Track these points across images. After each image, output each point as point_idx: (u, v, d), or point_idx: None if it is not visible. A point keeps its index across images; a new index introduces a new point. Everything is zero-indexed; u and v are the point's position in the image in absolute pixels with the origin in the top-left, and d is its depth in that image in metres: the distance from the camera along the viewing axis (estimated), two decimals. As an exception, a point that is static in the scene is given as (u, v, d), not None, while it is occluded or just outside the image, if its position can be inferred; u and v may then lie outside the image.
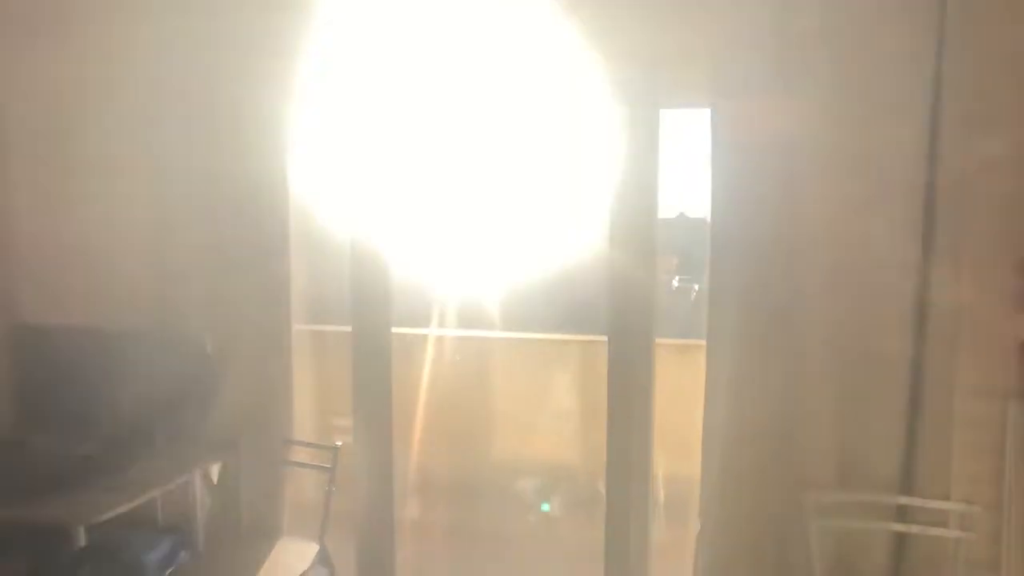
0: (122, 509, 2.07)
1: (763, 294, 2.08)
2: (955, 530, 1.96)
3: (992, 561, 1.97)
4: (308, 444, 2.63)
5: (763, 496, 2.11)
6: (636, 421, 2.40)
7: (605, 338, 4.55)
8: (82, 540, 1.98)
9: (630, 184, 2.34)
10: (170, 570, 2.56)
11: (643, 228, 2.34)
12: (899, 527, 2.00)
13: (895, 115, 1.98)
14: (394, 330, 2.67)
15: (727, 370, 2.14)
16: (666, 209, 2.45)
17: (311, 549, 2.46)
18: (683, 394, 2.95)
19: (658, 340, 2.46)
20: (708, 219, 2.18)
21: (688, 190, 2.98)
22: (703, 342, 2.25)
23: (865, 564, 2.04)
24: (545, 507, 4.02)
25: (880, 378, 2.02)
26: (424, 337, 4.26)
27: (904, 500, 1.99)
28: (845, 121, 2.01)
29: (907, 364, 1.99)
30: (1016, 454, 1.97)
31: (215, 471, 2.68)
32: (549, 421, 4.22)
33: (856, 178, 2.01)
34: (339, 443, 2.51)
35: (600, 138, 2.42)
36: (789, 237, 2.07)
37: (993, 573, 1.98)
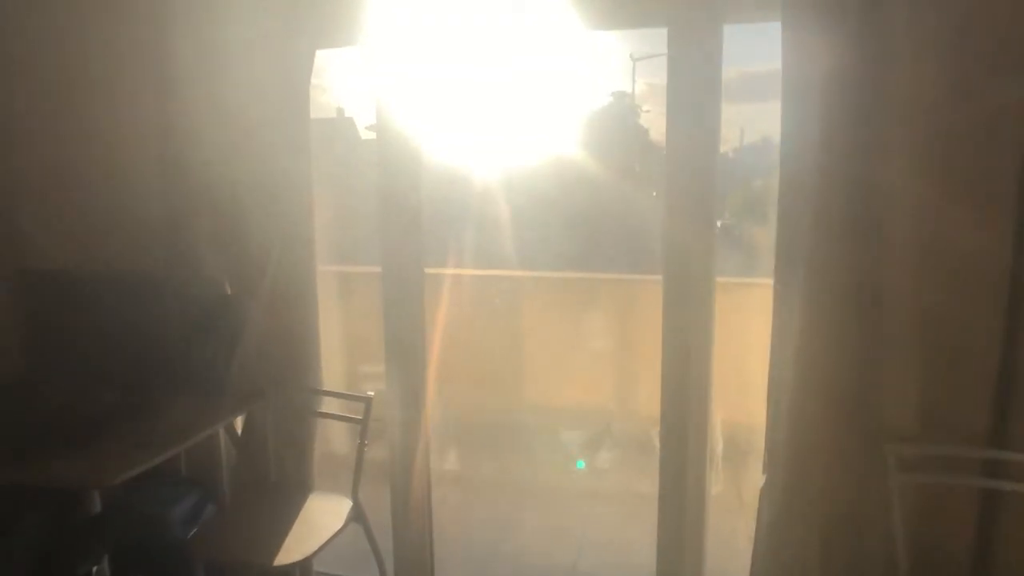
0: (142, 468, 1.92)
1: (839, 236, 1.85)
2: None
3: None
4: (339, 395, 2.48)
5: (835, 448, 1.92)
6: (694, 364, 2.22)
7: (633, 276, 4.46)
8: (97, 504, 1.85)
9: (687, 111, 2.10)
10: (196, 526, 2.46)
11: (703, 158, 2.11)
12: (989, 483, 1.82)
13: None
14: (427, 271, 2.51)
15: (796, 315, 1.93)
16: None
17: (344, 505, 2.33)
18: (739, 334, 2.80)
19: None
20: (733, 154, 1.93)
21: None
22: (762, 280, 2.06)
23: (952, 523, 1.86)
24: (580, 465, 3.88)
25: (968, 327, 1.80)
26: (456, 277, 4.12)
27: (994, 454, 1.80)
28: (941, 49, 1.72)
29: (1001, 316, 1.77)
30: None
31: (240, 423, 2.56)
32: (585, 363, 4.08)
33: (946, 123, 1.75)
34: (371, 393, 2.36)
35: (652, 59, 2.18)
36: (869, 178, 1.82)
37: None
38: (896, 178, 1.80)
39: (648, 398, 3.55)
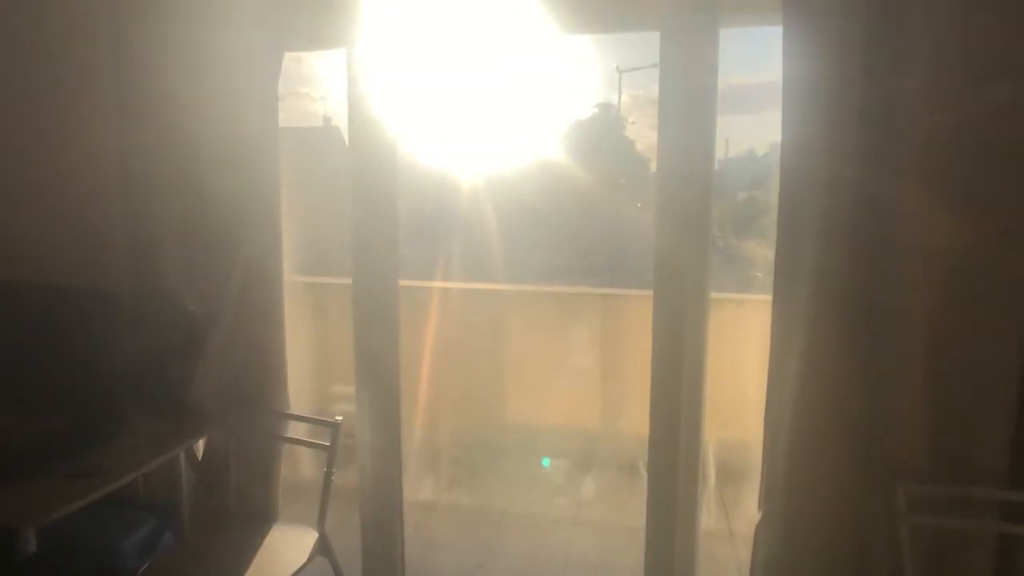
0: (81, 503, 1.74)
1: (844, 251, 1.72)
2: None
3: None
4: (304, 418, 2.31)
5: (839, 484, 1.78)
6: (686, 385, 2.07)
7: (618, 290, 4.33)
8: (32, 543, 1.67)
9: (680, 120, 1.97)
10: (152, 558, 2.27)
11: (698, 169, 1.97)
12: (1008, 528, 1.68)
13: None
14: (401, 283, 2.35)
15: (797, 336, 1.80)
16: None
17: (309, 537, 2.17)
18: (724, 351, 2.67)
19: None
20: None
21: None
22: (750, 296, 1.92)
23: (967, 570, 1.72)
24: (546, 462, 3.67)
25: (986, 353, 1.67)
26: (435, 290, 3.96)
27: (1013, 495, 1.67)
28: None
29: (1021, 340, 1.65)
30: None
31: (200, 447, 2.38)
32: (568, 381, 3.93)
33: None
34: (339, 418, 2.19)
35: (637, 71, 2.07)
36: (876, 189, 1.70)
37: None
38: (904, 189, 1.68)
39: (633, 418, 3.41)
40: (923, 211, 1.67)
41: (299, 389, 2.45)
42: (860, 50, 1.66)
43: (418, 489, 3.53)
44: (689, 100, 1.96)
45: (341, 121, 2.28)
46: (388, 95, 2.21)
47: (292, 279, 2.41)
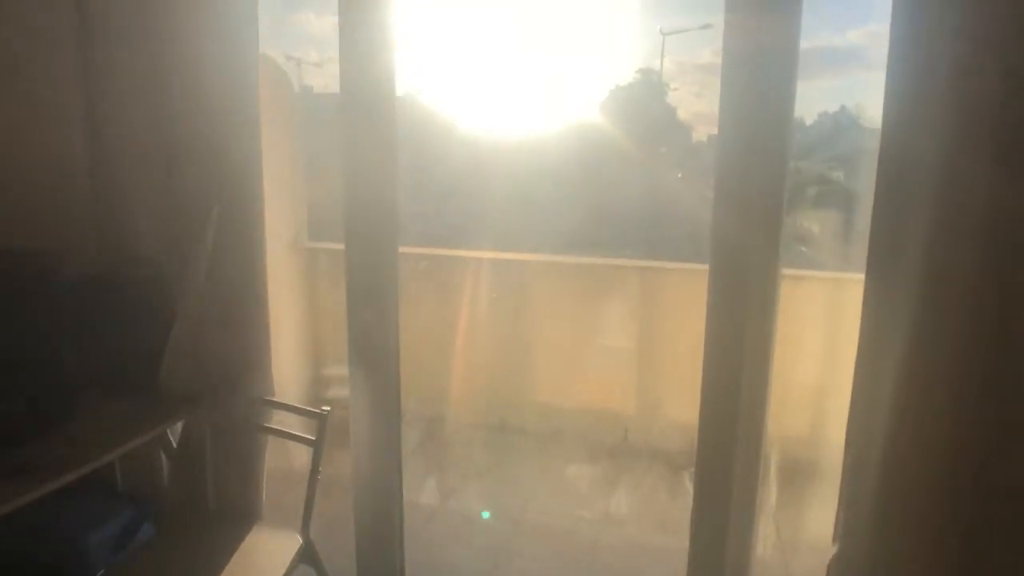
0: (29, 497, 1.47)
1: (961, 239, 1.34)
2: None
3: None
4: (287, 407, 2.01)
5: (946, 515, 1.41)
6: (747, 374, 1.74)
7: (656, 263, 3.98)
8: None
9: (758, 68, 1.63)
10: (126, 549, 2.02)
11: (773, 124, 1.65)
12: None
13: None
14: (402, 250, 2.03)
15: (894, 334, 1.43)
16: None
17: (293, 542, 1.88)
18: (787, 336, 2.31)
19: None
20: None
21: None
22: (814, 274, 1.56)
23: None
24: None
25: None
26: (453, 259, 3.65)
27: None
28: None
29: None
30: None
31: (175, 433, 2.10)
32: (601, 361, 3.58)
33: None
34: (327, 408, 1.88)
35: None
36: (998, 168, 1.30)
37: None
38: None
39: (674, 405, 3.05)
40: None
41: (285, 370, 2.16)
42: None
43: (422, 485, 3.21)
44: (764, 41, 1.60)
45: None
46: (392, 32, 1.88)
47: (309, 245, 2.11)
